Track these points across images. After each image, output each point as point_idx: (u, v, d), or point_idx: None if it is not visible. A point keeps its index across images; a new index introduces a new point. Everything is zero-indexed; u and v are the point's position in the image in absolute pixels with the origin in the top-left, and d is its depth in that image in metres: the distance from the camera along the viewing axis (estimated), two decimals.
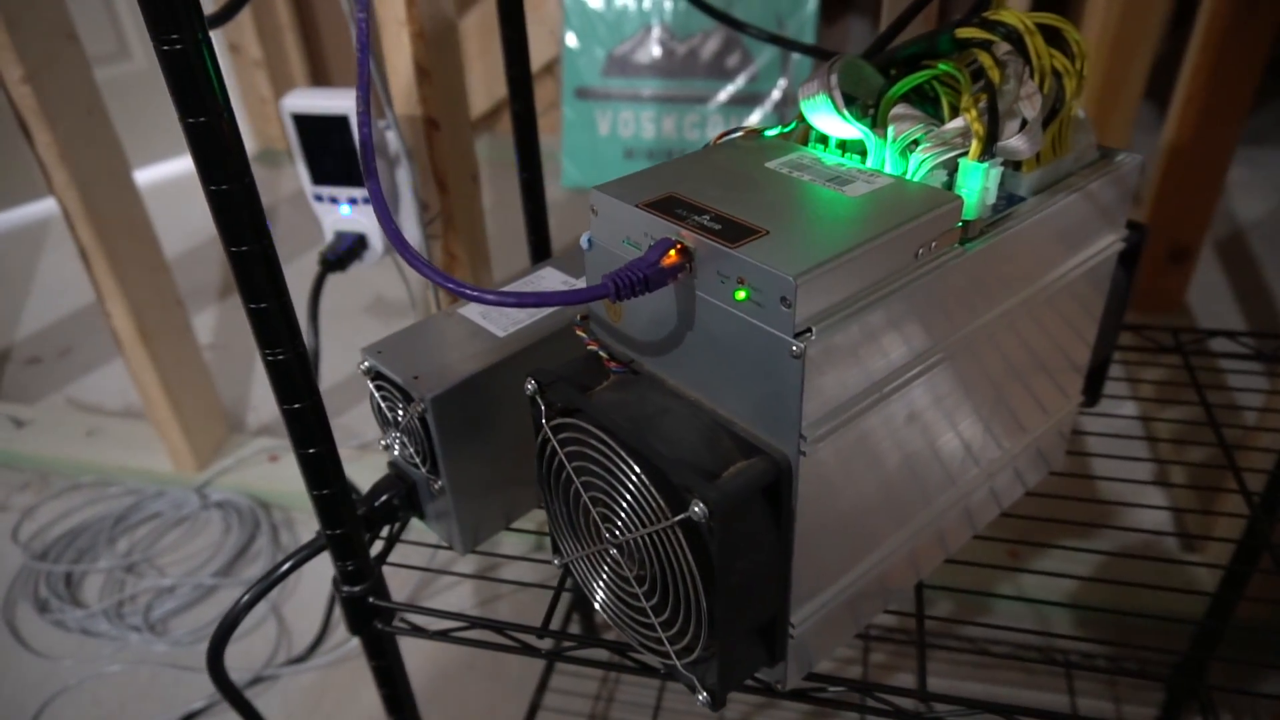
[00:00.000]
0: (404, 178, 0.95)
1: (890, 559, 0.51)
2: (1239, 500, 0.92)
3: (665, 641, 0.46)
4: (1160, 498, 1.24)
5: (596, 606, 0.51)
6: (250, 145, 2.44)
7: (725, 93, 2.05)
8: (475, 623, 0.57)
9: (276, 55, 2.28)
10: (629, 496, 0.44)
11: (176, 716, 1.08)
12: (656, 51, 2.05)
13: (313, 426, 0.50)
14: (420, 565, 0.92)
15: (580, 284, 0.61)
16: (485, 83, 2.28)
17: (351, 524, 0.55)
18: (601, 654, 0.55)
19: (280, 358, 0.47)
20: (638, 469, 0.42)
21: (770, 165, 0.47)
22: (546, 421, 0.48)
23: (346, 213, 0.94)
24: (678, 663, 0.46)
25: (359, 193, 0.93)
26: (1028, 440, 0.58)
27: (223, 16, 0.59)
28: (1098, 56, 1.96)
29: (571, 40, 2.08)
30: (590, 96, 2.11)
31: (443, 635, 0.58)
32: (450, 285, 0.40)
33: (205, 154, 0.41)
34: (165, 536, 1.31)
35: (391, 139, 0.94)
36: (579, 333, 0.50)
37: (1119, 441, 1.16)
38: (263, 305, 0.46)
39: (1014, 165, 0.50)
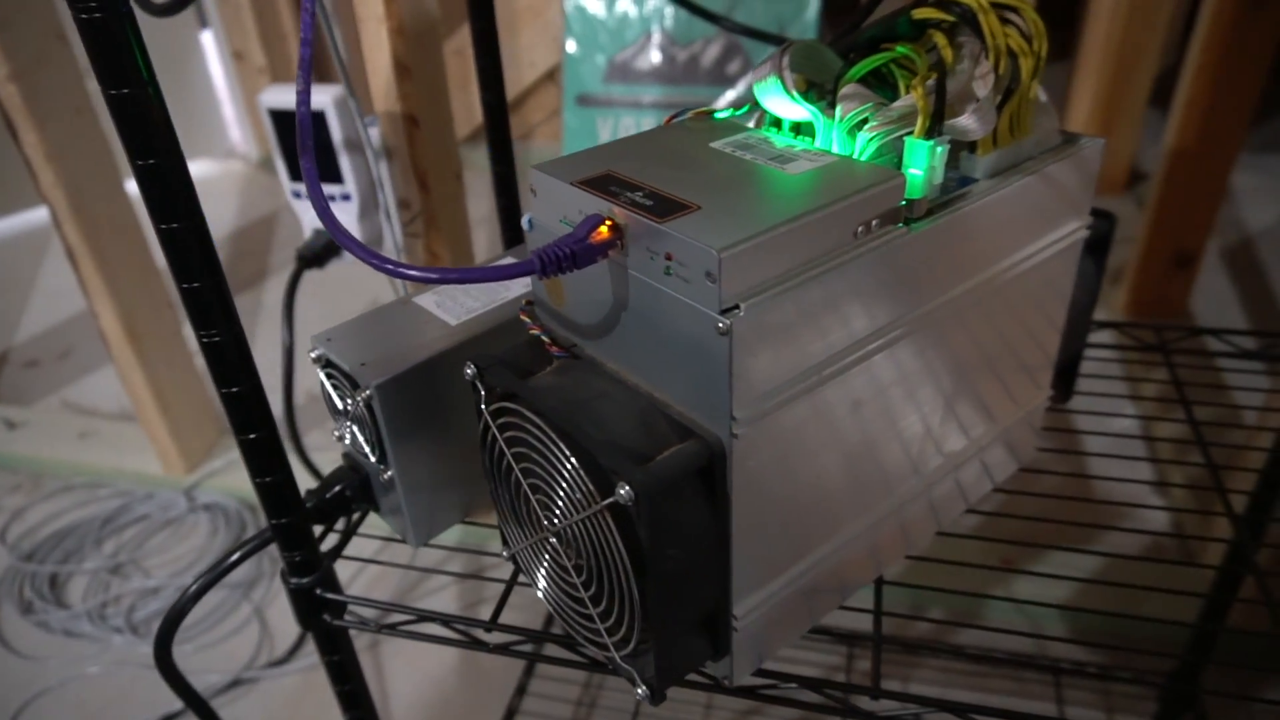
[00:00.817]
0: (381, 173, 0.95)
1: (845, 552, 0.50)
2: (1237, 500, 0.90)
3: (603, 633, 0.45)
4: (1155, 500, 1.22)
5: (540, 596, 0.50)
6: (255, 151, 2.45)
7: (726, 99, 2.04)
8: (422, 616, 0.56)
9: (280, 62, 2.29)
10: (564, 482, 0.43)
11: (156, 718, 1.07)
12: (657, 58, 2.04)
13: (252, 411, 0.49)
14: (401, 563, 0.91)
15: None
16: None
17: (297, 514, 0.54)
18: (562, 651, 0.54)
19: (215, 339, 0.47)
20: (569, 452, 0.41)
21: (715, 145, 0.46)
22: (485, 406, 0.47)
23: None
24: (615, 655, 0.45)
25: (337, 189, 0.92)
26: (992, 433, 0.57)
27: (173, 7, 0.59)
28: (1104, 62, 1.95)
29: (572, 47, 2.08)
30: (592, 103, 2.11)
31: (390, 629, 0.57)
32: (373, 261, 0.39)
33: (130, 127, 0.40)
34: (152, 538, 1.31)
35: (372, 135, 0.94)
36: (523, 317, 0.49)
37: (1115, 444, 1.14)
38: (195, 285, 0.45)
39: (970, 148, 0.48)
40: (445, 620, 0.55)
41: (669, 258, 0.38)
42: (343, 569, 1.22)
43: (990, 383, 0.54)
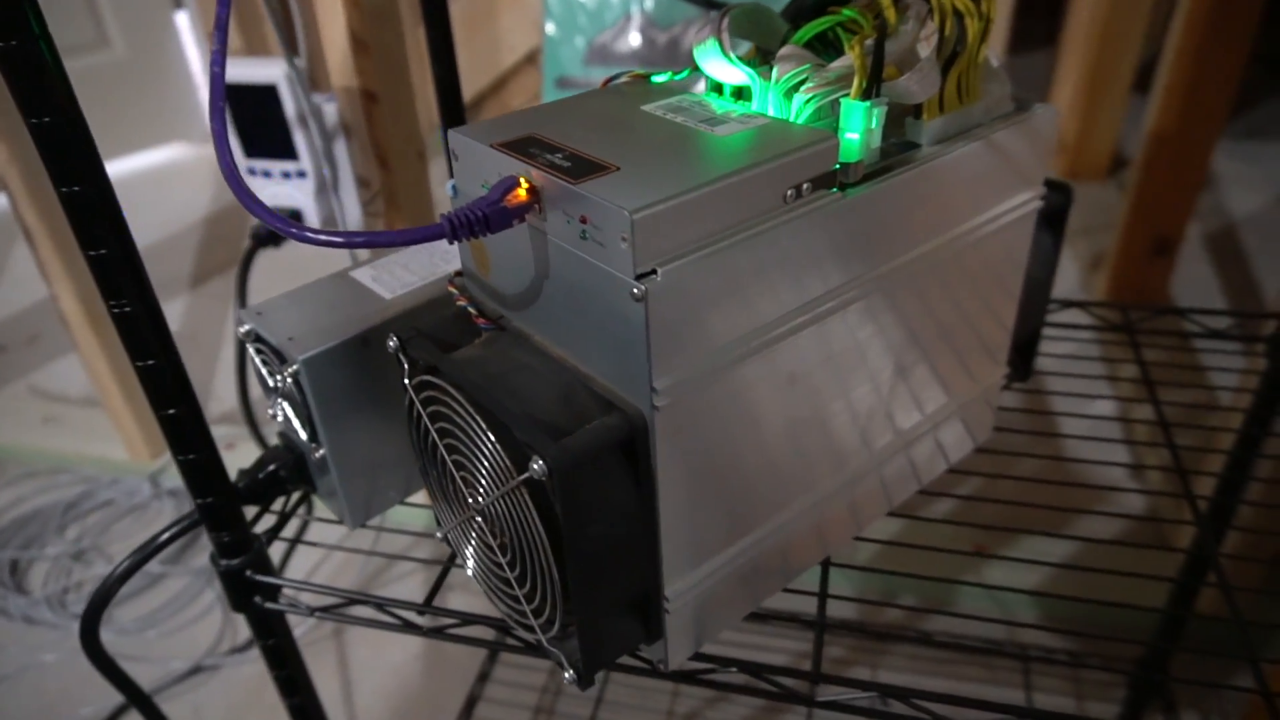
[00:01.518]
0: (341, 152, 0.93)
1: (786, 532, 0.48)
2: (1206, 482, 0.89)
3: (529, 614, 0.43)
4: (1130, 483, 1.21)
5: (470, 576, 0.48)
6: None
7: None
8: (354, 599, 0.54)
9: (258, 43, 2.26)
10: (484, 458, 0.41)
11: (114, 705, 1.06)
12: (637, 41, 2.02)
13: (170, 386, 0.47)
14: (364, 549, 0.89)
15: None
16: (469, 75, 2.26)
17: (222, 493, 0.52)
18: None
19: (126, 310, 0.45)
20: (486, 426, 0.40)
21: (646, 108, 0.44)
22: (409, 381, 0.45)
23: (279, 186, 0.91)
24: (542, 637, 0.43)
25: (293, 165, 0.90)
26: (945, 410, 0.55)
27: None
28: (1087, 48, 1.93)
29: (552, 29, 2.05)
30: (572, 86, 2.09)
31: (324, 612, 0.55)
32: (277, 224, 0.38)
33: (20, 83, 0.38)
34: (116, 524, 1.29)
35: (330, 111, 0.92)
36: (450, 288, 0.47)
37: (1087, 428, 1.13)
38: (102, 252, 0.43)
39: (916, 113, 0.47)
40: (379, 604, 0.54)
41: (584, 220, 0.36)
42: (306, 556, 1.20)
43: (940, 358, 0.52)
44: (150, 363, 0.46)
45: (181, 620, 1.16)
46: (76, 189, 0.41)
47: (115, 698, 1.06)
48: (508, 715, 1.01)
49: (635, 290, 0.35)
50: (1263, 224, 1.93)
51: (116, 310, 0.44)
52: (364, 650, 1.11)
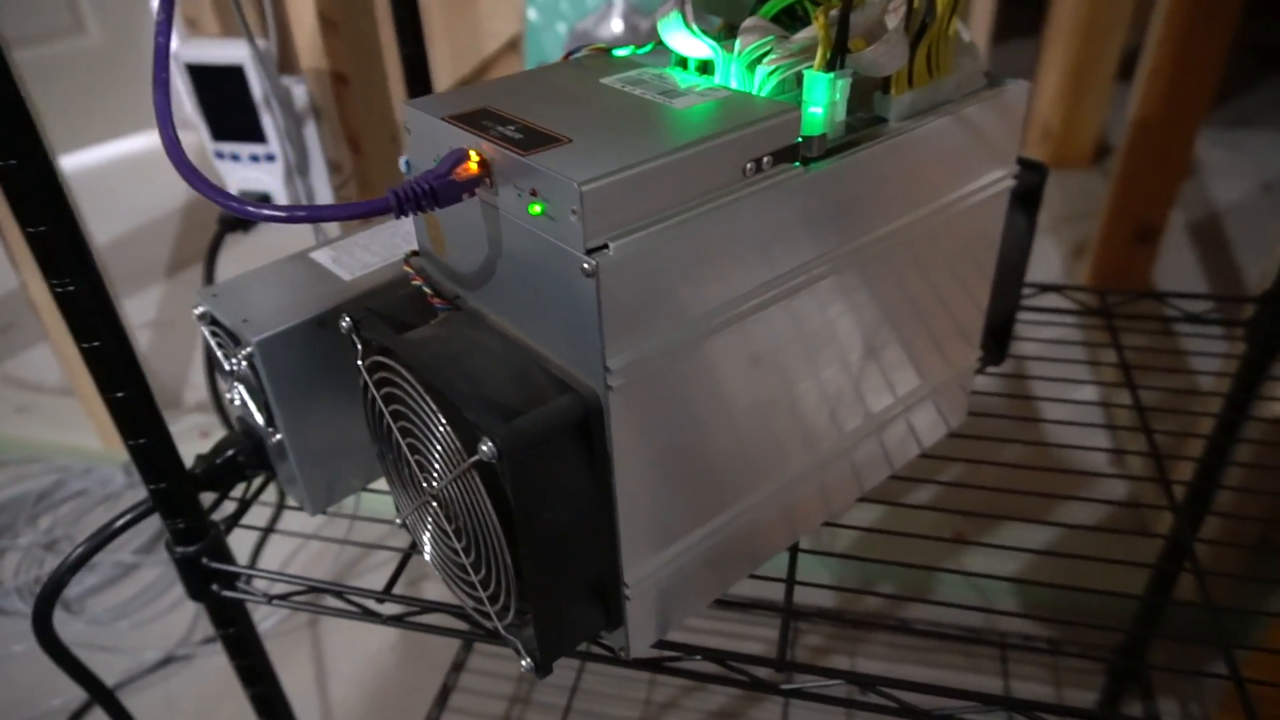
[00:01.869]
0: (310, 134, 0.91)
1: (752, 516, 0.47)
2: (1186, 468, 0.88)
3: (485, 601, 0.42)
4: (1111, 467, 1.20)
5: (428, 561, 0.47)
6: None
7: None
8: (313, 587, 0.53)
9: (237, 30, 2.23)
10: (437, 440, 0.40)
11: (86, 696, 1.04)
12: (619, 27, 2.00)
13: (118, 368, 0.46)
14: (337, 538, 0.88)
15: None
16: (452, 60, 2.23)
17: (175, 479, 0.51)
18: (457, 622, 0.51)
19: (69, 289, 0.43)
20: (436, 408, 0.38)
21: (605, 81, 0.43)
22: (362, 362, 0.44)
23: (251, 171, 0.90)
24: (499, 624, 0.42)
25: (261, 149, 0.89)
26: (917, 393, 0.54)
27: None
28: (1072, 36, 1.92)
29: (533, 15, 2.03)
30: None
31: (281, 599, 0.54)
32: (219, 198, 0.36)
33: None
34: (89, 514, 1.28)
35: (299, 93, 0.90)
36: (406, 268, 0.46)
37: (1067, 413, 1.13)
38: (41, 229, 0.42)
39: (884, 88, 0.45)
40: (339, 592, 0.53)
41: (534, 194, 0.35)
42: (281, 546, 1.19)
43: (911, 339, 0.51)
44: (96, 344, 0.45)
45: (154, 610, 1.14)
46: (12, 163, 0.39)
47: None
48: (482, 704, 1.00)
49: (586, 265, 0.34)
50: (1247, 212, 1.93)
51: (59, 290, 0.43)
52: (338, 640, 1.10)
